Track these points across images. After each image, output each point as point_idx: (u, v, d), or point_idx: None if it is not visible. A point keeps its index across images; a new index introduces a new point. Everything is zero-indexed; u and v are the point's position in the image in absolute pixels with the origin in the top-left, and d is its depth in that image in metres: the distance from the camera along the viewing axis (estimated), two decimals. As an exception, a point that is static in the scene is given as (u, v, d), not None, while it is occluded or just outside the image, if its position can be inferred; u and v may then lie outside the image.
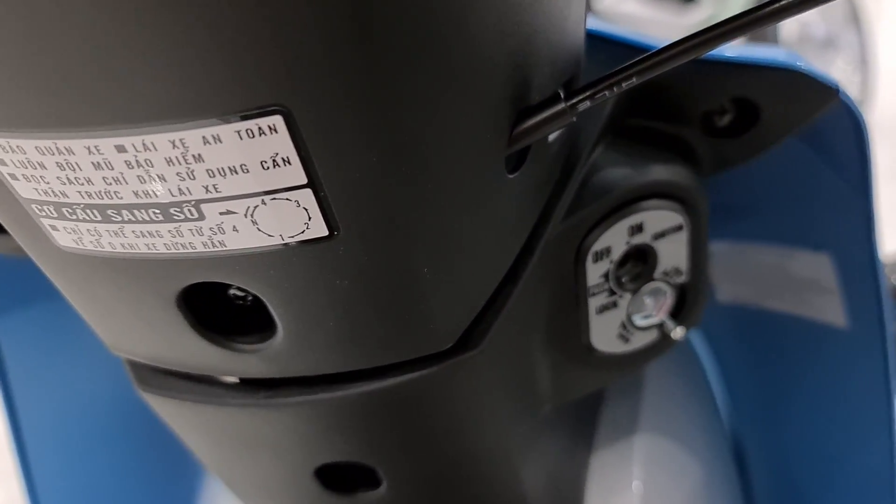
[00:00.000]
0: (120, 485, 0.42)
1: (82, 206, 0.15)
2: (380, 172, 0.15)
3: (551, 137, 0.20)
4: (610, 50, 0.25)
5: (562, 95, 0.18)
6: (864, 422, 0.37)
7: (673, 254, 0.25)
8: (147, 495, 0.44)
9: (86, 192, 0.15)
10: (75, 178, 0.15)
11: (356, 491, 0.23)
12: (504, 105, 0.17)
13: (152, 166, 0.14)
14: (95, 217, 0.16)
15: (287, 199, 0.15)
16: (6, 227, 0.17)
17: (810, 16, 2.08)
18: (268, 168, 0.14)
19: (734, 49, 0.25)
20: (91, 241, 0.16)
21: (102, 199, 0.15)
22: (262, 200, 0.15)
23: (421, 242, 0.17)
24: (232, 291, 0.19)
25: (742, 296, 0.40)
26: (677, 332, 0.26)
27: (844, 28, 2.03)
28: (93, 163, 0.14)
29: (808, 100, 0.25)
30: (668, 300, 0.26)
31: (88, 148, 0.14)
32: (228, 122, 0.14)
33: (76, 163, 0.14)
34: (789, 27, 2.05)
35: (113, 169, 0.14)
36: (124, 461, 0.42)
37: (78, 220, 0.16)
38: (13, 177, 0.15)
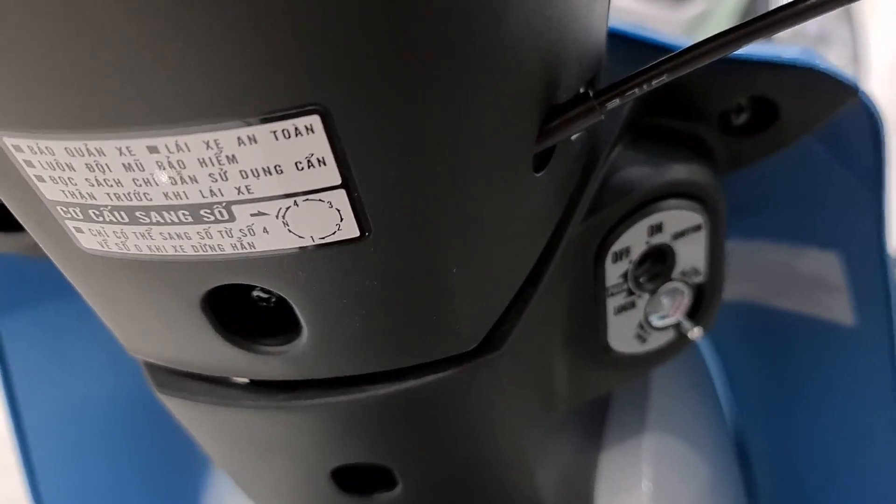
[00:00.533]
0: (122, 483, 0.42)
1: (110, 207, 0.15)
2: (413, 172, 0.15)
3: (574, 136, 0.20)
4: (627, 48, 0.25)
5: (590, 93, 0.18)
6: (871, 420, 0.37)
7: (691, 254, 0.25)
8: (149, 494, 0.43)
9: (114, 194, 0.15)
10: (104, 179, 0.14)
11: (371, 492, 0.23)
12: (534, 103, 0.17)
13: (185, 167, 0.14)
14: (123, 219, 0.15)
15: (320, 199, 0.15)
16: (27, 228, 0.17)
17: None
18: (302, 168, 0.14)
19: (752, 47, 0.25)
20: (116, 244, 0.16)
21: (131, 200, 0.15)
22: (295, 202, 0.15)
23: (450, 242, 0.17)
24: (256, 293, 0.19)
25: (749, 294, 0.40)
26: (694, 333, 0.25)
27: (837, 24, 2.04)
28: (123, 164, 0.14)
29: (827, 99, 0.25)
30: (686, 300, 0.25)
31: (120, 149, 0.14)
32: (265, 122, 0.13)
33: (106, 164, 0.14)
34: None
35: (144, 170, 0.14)
36: (127, 459, 0.42)
37: (105, 221, 0.15)
38: (39, 178, 0.15)
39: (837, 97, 0.25)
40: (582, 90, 0.19)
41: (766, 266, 0.38)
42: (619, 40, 0.25)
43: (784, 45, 0.26)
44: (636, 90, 0.18)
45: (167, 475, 0.44)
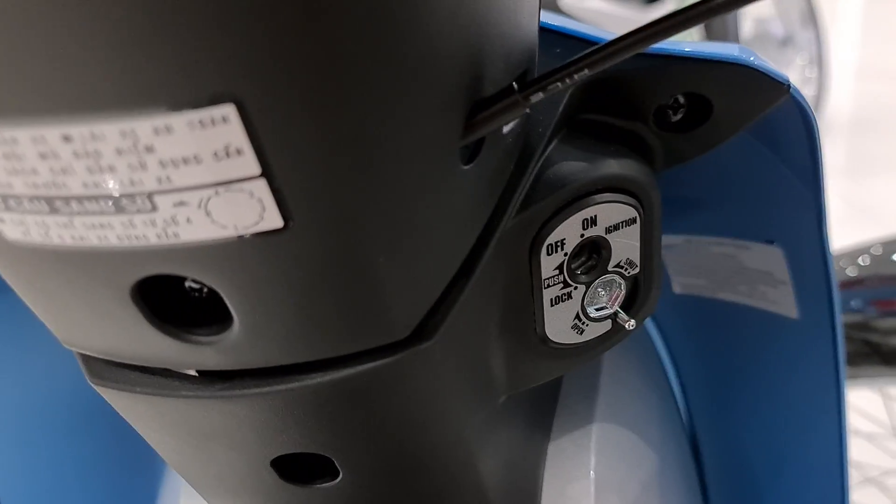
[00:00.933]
0: (82, 478, 0.42)
1: (28, 197, 0.15)
2: (334, 163, 0.15)
3: (506, 129, 0.21)
4: (565, 44, 0.25)
5: (515, 87, 0.18)
6: (815, 409, 0.38)
7: (626, 246, 0.25)
8: (109, 488, 0.43)
9: (32, 183, 0.15)
10: (21, 168, 0.14)
11: (314, 482, 0.24)
12: (459, 97, 0.17)
13: (101, 157, 0.14)
14: (43, 209, 0.15)
15: (241, 189, 0.15)
16: None
17: (769, 16, 2.14)
18: (220, 159, 0.14)
19: (688, 45, 0.26)
20: (39, 234, 0.16)
21: (50, 190, 0.15)
22: (216, 191, 0.15)
23: (376, 233, 0.17)
24: (188, 283, 0.19)
25: (697, 288, 0.41)
26: (631, 323, 0.26)
27: (802, 28, 2.09)
28: (39, 153, 0.14)
29: (760, 95, 0.26)
30: (622, 291, 0.26)
31: (34, 138, 0.14)
32: (179, 112, 0.13)
33: (21, 153, 0.14)
34: (749, 26, 2.09)
35: (60, 159, 0.14)
36: (86, 454, 0.42)
37: (25, 211, 0.15)
38: None
39: (770, 94, 0.26)
40: (511, 84, 0.20)
41: (715, 261, 0.39)
42: (557, 36, 0.25)
43: (723, 43, 0.27)
44: (559, 84, 0.18)
45: (127, 470, 0.43)
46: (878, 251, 0.66)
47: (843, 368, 0.36)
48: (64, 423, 0.40)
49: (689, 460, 0.43)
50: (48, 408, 0.40)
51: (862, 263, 0.66)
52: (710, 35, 1.85)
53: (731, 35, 1.86)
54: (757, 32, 2.08)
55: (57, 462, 0.41)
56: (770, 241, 0.36)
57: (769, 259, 0.37)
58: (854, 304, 0.65)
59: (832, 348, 0.36)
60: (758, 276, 0.38)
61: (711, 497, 0.46)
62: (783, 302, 0.39)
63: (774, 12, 2.08)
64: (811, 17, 2.07)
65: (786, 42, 2.09)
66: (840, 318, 0.36)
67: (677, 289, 0.42)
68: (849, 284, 0.66)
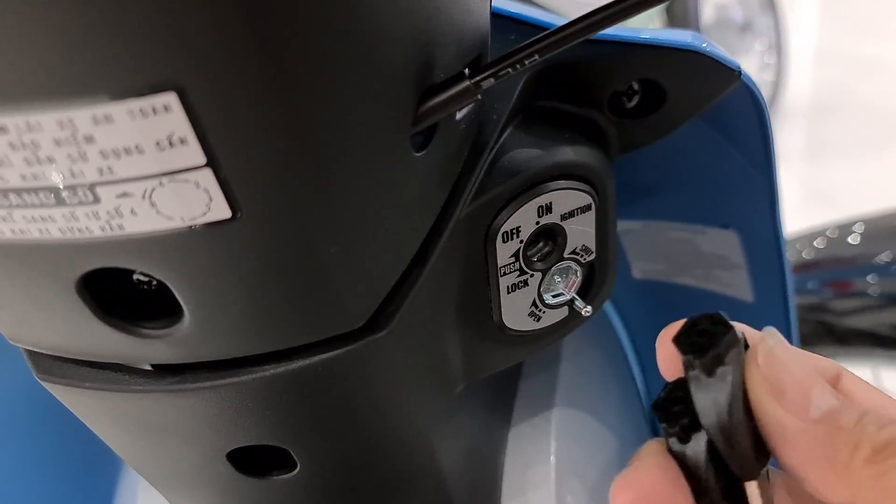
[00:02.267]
0: (40, 474, 0.41)
1: None
2: (281, 152, 0.15)
3: (459, 116, 0.21)
4: (519, 30, 0.25)
5: (466, 73, 0.18)
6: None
7: (581, 233, 0.25)
8: (68, 484, 0.42)
9: None
10: None
11: (271, 474, 0.23)
12: (408, 84, 0.17)
13: (39, 148, 0.14)
14: None
15: (186, 180, 0.15)
16: None
17: (729, 2, 2.16)
18: (164, 148, 0.14)
19: (643, 31, 0.26)
20: None
21: None
22: (160, 182, 0.15)
23: (326, 222, 0.17)
24: (136, 276, 0.18)
25: (656, 273, 0.42)
26: (587, 309, 0.26)
27: (761, 14, 2.11)
28: None
29: (712, 82, 0.26)
30: (578, 278, 0.26)
31: None
32: (119, 100, 0.13)
33: None
34: (710, 13, 2.12)
35: None
36: (45, 451, 0.41)
37: None
38: None
39: (722, 81, 0.26)
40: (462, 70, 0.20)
41: (673, 245, 0.40)
42: (510, 21, 0.25)
43: (677, 30, 0.27)
44: (510, 70, 0.18)
45: (86, 466, 0.43)
46: (834, 234, 0.68)
47: (797, 350, 0.37)
48: (24, 419, 0.40)
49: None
50: (5, 403, 0.39)
51: (818, 246, 0.67)
52: (672, 22, 1.87)
53: (691, 21, 1.88)
54: (717, 18, 2.11)
55: (15, 458, 0.40)
56: (725, 226, 0.37)
57: (724, 243, 0.38)
58: (810, 285, 0.66)
59: (786, 331, 0.37)
60: (714, 261, 0.39)
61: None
62: (738, 286, 0.39)
63: (734, -1, 2.10)
64: (770, 3, 2.10)
65: (745, 28, 2.12)
66: (793, 301, 0.37)
67: (637, 274, 0.42)
68: (805, 267, 0.67)
